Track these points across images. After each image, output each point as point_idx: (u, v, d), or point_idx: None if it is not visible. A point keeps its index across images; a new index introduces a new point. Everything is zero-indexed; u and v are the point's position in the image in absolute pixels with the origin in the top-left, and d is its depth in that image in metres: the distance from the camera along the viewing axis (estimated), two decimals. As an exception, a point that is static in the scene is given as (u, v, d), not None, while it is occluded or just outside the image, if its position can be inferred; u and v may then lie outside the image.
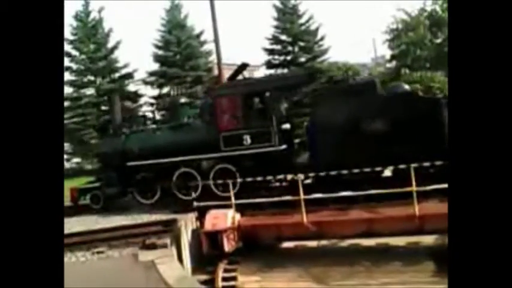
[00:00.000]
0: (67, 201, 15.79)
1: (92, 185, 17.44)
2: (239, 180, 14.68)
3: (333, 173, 13.13)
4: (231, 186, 13.98)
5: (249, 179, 14.25)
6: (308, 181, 14.37)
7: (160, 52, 35.36)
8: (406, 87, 14.54)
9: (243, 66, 16.74)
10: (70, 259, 12.06)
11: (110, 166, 16.89)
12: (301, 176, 13.64)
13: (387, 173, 13.81)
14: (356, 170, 13.02)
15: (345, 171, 13.11)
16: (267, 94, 15.09)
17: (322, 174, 13.44)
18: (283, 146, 14.55)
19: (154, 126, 17.06)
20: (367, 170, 13.17)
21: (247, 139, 14.61)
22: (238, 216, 13.80)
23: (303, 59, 35.26)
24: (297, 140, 15.43)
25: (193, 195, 15.52)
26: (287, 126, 15.46)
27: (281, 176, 14.72)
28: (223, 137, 14.86)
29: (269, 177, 14.34)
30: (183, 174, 15.74)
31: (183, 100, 18.26)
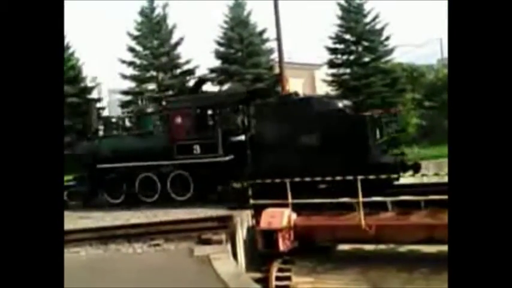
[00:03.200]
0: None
1: (68, 183, 18.43)
2: (192, 185, 16.37)
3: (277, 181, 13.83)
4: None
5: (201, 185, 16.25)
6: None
7: (222, 49, 35.56)
8: (340, 104, 15.40)
9: (201, 82, 19.31)
10: (127, 250, 12.28)
11: (83, 167, 18.43)
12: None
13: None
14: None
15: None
16: (213, 109, 16.77)
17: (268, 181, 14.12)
18: (229, 157, 15.83)
19: (124, 132, 18.91)
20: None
21: (197, 149, 16.09)
22: (294, 215, 13.66)
23: (366, 59, 34.72)
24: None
25: (154, 197, 16.99)
26: (241, 138, 16.41)
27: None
28: (176, 146, 16.32)
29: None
30: (145, 178, 17.10)
31: (149, 110, 19.80)
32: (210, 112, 16.88)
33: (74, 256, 12.21)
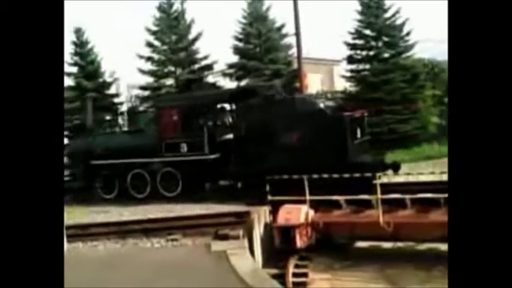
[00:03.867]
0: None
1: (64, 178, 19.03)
2: (180, 182, 16.86)
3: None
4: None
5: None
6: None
7: (240, 44, 35.41)
8: (321, 105, 15.82)
9: (191, 82, 21.22)
10: (145, 244, 12.38)
11: (78, 163, 19.00)
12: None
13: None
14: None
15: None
16: (199, 108, 17.27)
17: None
18: (215, 155, 16.32)
19: (117, 130, 20.01)
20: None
21: (184, 147, 16.62)
22: (312, 212, 13.60)
23: (386, 55, 34.37)
24: None
25: (145, 193, 17.54)
26: (228, 137, 16.95)
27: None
28: (165, 144, 16.89)
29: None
30: (137, 174, 17.61)
31: (141, 108, 20.75)
32: (196, 111, 17.22)
33: (92, 250, 12.29)
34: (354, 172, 13.22)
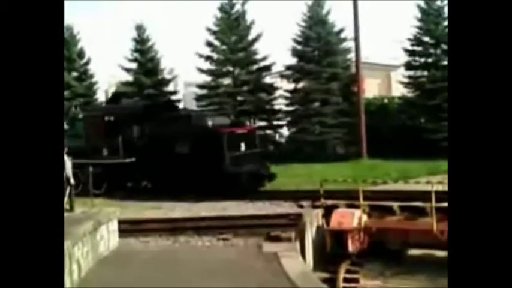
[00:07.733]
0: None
1: None
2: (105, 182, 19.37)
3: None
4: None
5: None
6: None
7: (299, 47, 35.38)
8: (209, 122, 18.96)
9: (119, 95, 23.94)
10: (197, 242, 12.44)
11: None
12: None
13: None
14: None
15: None
16: (116, 119, 19.91)
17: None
18: (129, 160, 18.96)
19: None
20: None
21: (105, 151, 19.58)
22: (365, 217, 13.54)
23: (445, 62, 33.70)
24: None
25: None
26: (139, 144, 19.40)
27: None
28: (90, 148, 19.83)
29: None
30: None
31: (80, 115, 23.12)
32: (114, 121, 19.84)
33: (143, 245, 12.45)
34: (228, 181, 16.62)
